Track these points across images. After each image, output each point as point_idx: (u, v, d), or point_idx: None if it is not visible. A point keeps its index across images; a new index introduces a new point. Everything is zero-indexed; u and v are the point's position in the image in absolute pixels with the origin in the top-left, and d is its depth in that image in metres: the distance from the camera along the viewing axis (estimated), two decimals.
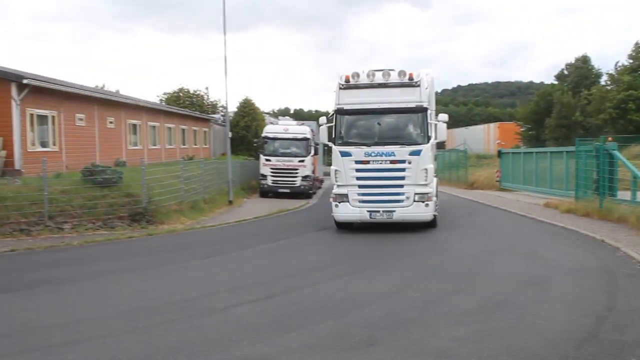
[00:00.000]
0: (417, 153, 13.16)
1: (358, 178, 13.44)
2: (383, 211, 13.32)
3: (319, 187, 31.54)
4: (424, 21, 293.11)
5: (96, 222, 14.98)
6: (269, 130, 27.93)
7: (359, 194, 13.43)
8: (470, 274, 8.96)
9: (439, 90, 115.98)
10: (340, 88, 13.59)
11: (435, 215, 13.87)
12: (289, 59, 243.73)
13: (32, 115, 18.42)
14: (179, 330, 6.18)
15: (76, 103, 21.24)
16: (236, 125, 38.62)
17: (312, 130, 27.77)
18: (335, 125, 13.76)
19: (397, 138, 13.41)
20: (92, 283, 8.90)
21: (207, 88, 68.72)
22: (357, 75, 13.39)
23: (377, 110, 13.49)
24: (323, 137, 14.31)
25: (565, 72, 55.33)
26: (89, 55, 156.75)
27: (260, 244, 12.85)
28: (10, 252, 11.74)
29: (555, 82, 55.94)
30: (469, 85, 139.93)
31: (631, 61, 42.00)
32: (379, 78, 13.34)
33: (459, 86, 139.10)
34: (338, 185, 13.70)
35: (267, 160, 26.46)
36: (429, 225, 13.85)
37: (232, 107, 40.71)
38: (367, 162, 13.33)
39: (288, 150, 26.75)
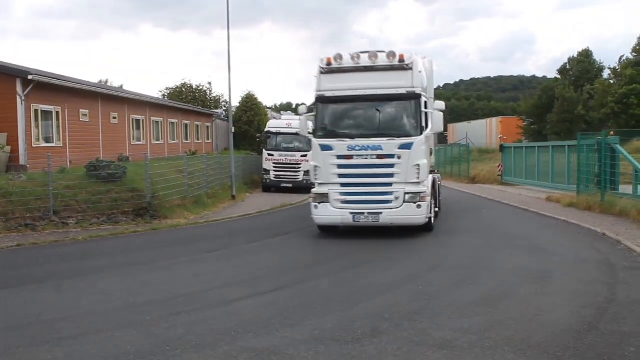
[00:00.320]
0: (408, 146, 11.50)
1: (340, 175, 11.82)
2: (368, 213, 11.64)
3: None
4: (427, 15, 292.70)
5: (101, 217, 15.10)
6: (272, 125, 27.97)
7: (341, 194, 11.78)
8: (473, 267, 9.06)
9: (441, 85, 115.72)
10: (321, 72, 11.94)
11: (430, 218, 12.29)
12: (291, 54, 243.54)
13: (36, 111, 18.55)
14: (185, 323, 6.26)
15: (80, 99, 21.37)
16: (239, 120, 38.74)
17: None
18: (316, 115, 12.29)
19: (386, 129, 11.76)
20: (98, 277, 9.00)
21: (210, 83, 68.96)
22: (340, 57, 11.75)
23: (363, 97, 11.83)
24: (303, 129, 13.05)
25: (568, 66, 55.18)
26: (91, 52, 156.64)
27: (264, 238, 12.94)
28: (16, 247, 11.87)
29: (558, 77, 55.81)
30: (471, 79, 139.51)
31: (635, 54, 41.84)
32: (364, 60, 11.67)
33: (461, 80, 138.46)
34: (318, 184, 12.10)
35: (269, 155, 26.53)
36: (424, 230, 12.21)
37: (235, 102, 40.85)
38: (351, 157, 11.68)
39: (291, 145, 26.77)
